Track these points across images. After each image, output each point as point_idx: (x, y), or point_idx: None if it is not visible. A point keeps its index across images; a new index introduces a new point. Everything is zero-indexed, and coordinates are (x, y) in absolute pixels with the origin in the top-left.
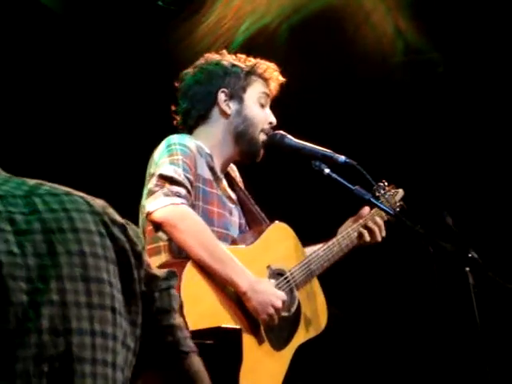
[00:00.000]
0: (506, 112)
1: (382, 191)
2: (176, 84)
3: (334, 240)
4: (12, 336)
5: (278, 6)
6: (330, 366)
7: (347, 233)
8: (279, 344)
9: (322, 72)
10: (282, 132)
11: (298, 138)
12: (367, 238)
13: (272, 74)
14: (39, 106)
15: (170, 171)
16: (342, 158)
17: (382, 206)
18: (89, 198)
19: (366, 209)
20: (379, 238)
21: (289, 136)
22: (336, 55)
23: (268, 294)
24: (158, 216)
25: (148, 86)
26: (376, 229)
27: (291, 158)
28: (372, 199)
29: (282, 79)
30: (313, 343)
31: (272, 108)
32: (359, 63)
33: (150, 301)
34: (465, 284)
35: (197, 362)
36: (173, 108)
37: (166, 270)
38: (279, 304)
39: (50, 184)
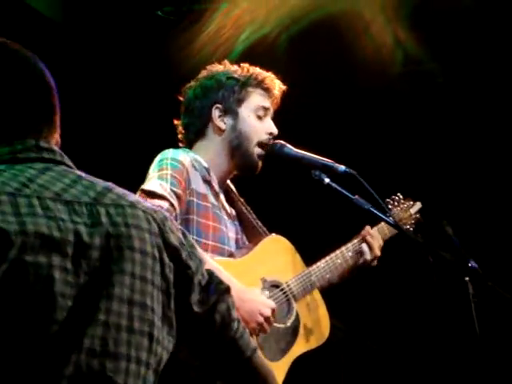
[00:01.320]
0: (505, 122)
1: (396, 203)
2: (179, 97)
3: (338, 251)
4: (54, 353)
5: (277, 16)
6: (332, 375)
7: (352, 244)
8: (275, 355)
9: (322, 82)
10: (281, 142)
11: (297, 148)
12: (366, 250)
13: (271, 82)
14: None
15: (154, 186)
16: (342, 167)
17: (381, 215)
18: (151, 210)
19: (368, 229)
20: (377, 252)
21: (288, 145)
22: (335, 65)
23: (256, 303)
24: None
25: (148, 96)
26: (374, 243)
27: (291, 168)
28: (371, 209)
29: (282, 87)
30: (314, 356)
31: (272, 117)
32: (359, 73)
33: (211, 324)
34: (464, 294)
35: (259, 359)
36: (175, 122)
37: (207, 275)
38: (268, 312)
39: (118, 190)
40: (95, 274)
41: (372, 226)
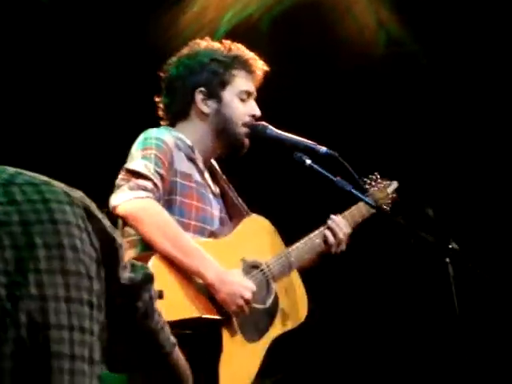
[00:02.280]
0: (489, 103)
1: (373, 183)
2: (161, 74)
3: (316, 231)
4: None
5: None
6: (313, 357)
7: (319, 230)
8: (254, 335)
9: (304, 63)
10: (263, 123)
11: (279, 129)
12: (330, 237)
13: (255, 63)
14: (21, 97)
15: (138, 166)
16: (324, 149)
17: (362, 197)
18: (68, 188)
19: (333, 216)
20: (342, 238)
21: (270, 127)
22: (318, 46)
23: (236, 285)
24: (121, 210)
25: (131, 77)
26: (336, 229)
27: (273, 149)
28: (352, 190)
29: (265, 68)
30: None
31: (255, 97)
32: (341, 55)
33: (134, 309)
34: (445, 275)
35: (177, 356)
36: (156, 99)
37: (142, 273)
38: (248, 295)
39: (29, 173)
40: (21, 249)
41: (351, 207)
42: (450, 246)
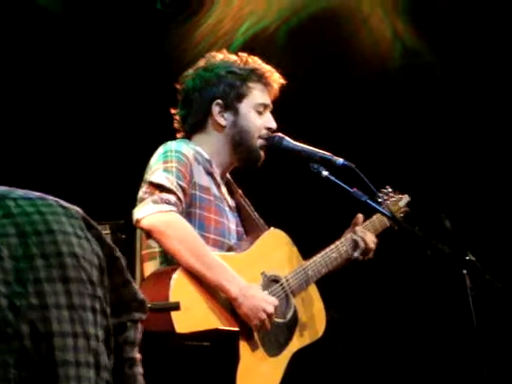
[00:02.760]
0: (504, 114)
1: (386, 197)
2: (177, 86)
3: (333, 246)
4: None
5: (277, 8)
6: (330, 369)
7: (346, 239)
8: (274, 350)
9: (320, 74)
10: (280, 134)
11: (296, 141)
12: (361, 244)
13: (271, 77)
14: (38, 109)
15: (161, 179)
16: (340, 160)
17: (378, 207)
18: (63, 202)
19: (360, 217)
20: (371, 245)
21: (287, 138)
22: (334, 58)
23: (259, 300)
24: (145, 223)
25: (147, 90)
26: (361, 242)
27: (289, 161)
28: (368, 201)
29: (282, 81)
30: (311, 348)
31: (271, 110)
32: (357, 66)
33: (121, 329)
34: (462, 286)
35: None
36: (172, 111)
37: (140, 298)
38: (271, 309)
39: (22, 190)
40: (19, 260)
41: (367, 218)
42: (467, 258)
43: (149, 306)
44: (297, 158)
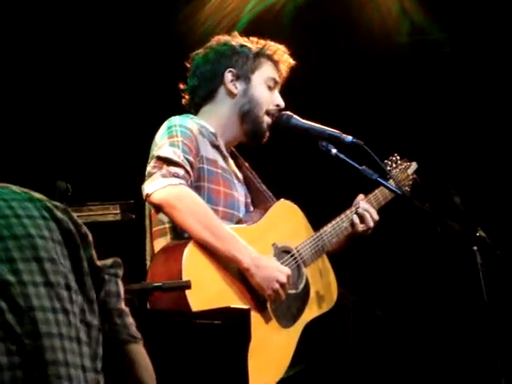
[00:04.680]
0: None
1: (394, 165)
2: (186, 64)
3: (343, 215)
4: None
5: None
6: (341, 347)
7: (345, 214)
8: (287, 321)
9: (328, 52)
10: (288, 112)
11: (304, 118)
12: (357, 222)
13: (282, 56)
14: (48, 91)
15: (168, 153)
16: (349, 138)
17: (389, 185)
18: (25, 189)
19: (360, 196)
20: (371, 223)
21: (295, 116)
22: (341, 35)
23: (272, 269)
24: (156, 198)
25: (154, 68)
26: (366, 214)
27: (298, 139)
28: (379, 179)
29: (292, 62)
30: (322, 324)
31: (279, 91)
32: (365, 43)
33: (100, 283)
34: (473, 263)
35: (137, 352)
36: (181, 86)
37: (111, 259)
38: (284, 279)
39: (4, 186)
40: None
41: (374, 190)
42: (478, 234)
43: (160, 285)
44: (305, 136)
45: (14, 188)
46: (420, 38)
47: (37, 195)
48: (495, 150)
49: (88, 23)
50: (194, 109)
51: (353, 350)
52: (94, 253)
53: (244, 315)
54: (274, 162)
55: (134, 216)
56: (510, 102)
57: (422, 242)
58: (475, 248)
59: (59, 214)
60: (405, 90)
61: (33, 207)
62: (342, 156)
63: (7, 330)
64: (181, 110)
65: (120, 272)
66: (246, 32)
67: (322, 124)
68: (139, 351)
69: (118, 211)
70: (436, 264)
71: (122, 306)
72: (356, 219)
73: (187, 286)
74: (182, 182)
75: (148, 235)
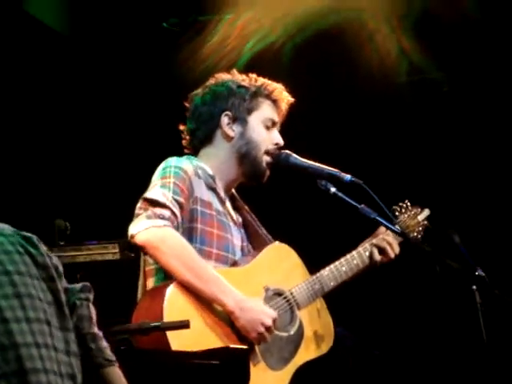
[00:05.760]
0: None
1: (403, 210)
2: (186, 104)
3: (342, 259)
4: None
5: (283, 26)
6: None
7: (358, 252)
8: (277, 364)
9: (327, 91)
10: (287, 151)
11: (303, 157)
12: (377, 256)
13: (280, 94)
14: (46, 127)
15: (155, 194)
16: (348, 176)
17: (387, 224)
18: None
19: (382, 229)
20: (392, 255)
21: (294, 155)
22: (340, 75)
23: (256, 312)
24: (139, 239)
25: (154, 108)
26: (387, 247)
27: (297, 178)
28: (377, 217)
29: (290, 99)
30: (321, 364)
31: (278, 129)
32: (363, 83)
33: (71, 309)
34: (472, 302)
35: (114, 373)
36: (181, 127)
37: (80, 284)
38: (269, 322)
39: None
40: None
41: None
42: (477, 273)
43: (158, 324)
44: (304, 174)
45: None
46: (418, 77)
47: (6, 229)
48: (494, 189)
49: (89, 62)
50: (193, 150)
51: None
52: (64, 282)
53: (242, 355)
54: (271, 200)
55: (133, 255)
56: (509, 142)
57: (422, 281)
58: (474, 287)
59: (31, 249)
60: (403, 128)
61: (6, 242)
62: (340, 195)
63: None
64: (180, 150)
65: (91, 296)
66: (246, 70)
67: (321, 163)
68: (116, 373)
69: (117, 250)
70: (435, 303)
71: (95, 330)
72: (375, 251)
73: (185, 325)
74: (167, 223)
75: (141, 274)
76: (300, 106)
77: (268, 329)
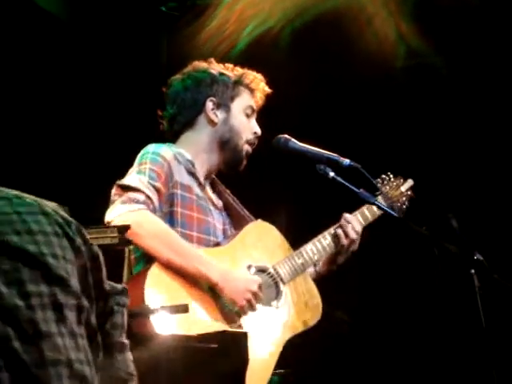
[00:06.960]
0: (509, 114)
1: (386, 182)
2: (164, 89)
3: (326, 232)
4: None
5: (281, 10)
6: (336, 369)
7: (328, 231)
8: (265, 338)
9: (325, 75)
10: (286, 136)
11: (301, 142)
12: (340, 233)
13: (258, 85)
14: (42, 112)
15: (129, 180)
16: (347, 161)
17: (387, 209)
18: (39, 200)
19: (345, 214)
20: (353, 235)
21: (293, 140)
22: (338, 59)
23: (241, 281)
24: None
25: (149, 92)
26: (348, 225)
27: (296, 162)
28: (377, 202)
29: (268, 90)
30: (318, 348)
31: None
32: (362, 67)
33: (108, 313)
34: (470, 286)
35: None
36: (159, 113)
37: (121, 285)
38: (254, 287)
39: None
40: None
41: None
42: (475, 257)
43: (156, 309)
44: (303, 159)
45: (28, 199)
46: (417, 61)
47: (49, 207)
48: (493, 172)
49: (86, 47)
50: (172, 136)
51: (349, 373)
52: (103, 275)
53: (241, 338)
54: (270, 185)
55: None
56: (507, 124)
57: (420, 265)
58: (473, 271)
59: (71, 232)
60: (402, 112)
61: (46, 222)
62: (339, 179)
63: (14, 358)
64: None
65: (127, 301)
66: (245, 54)
67: (319, 147)
68: None
69: (116, 234)
70: (433, 287)
71: (124, 339)
72: (339, 231)
73: (184, 309)
74: (142, 207)
75: (126, 262)
76: (298, 90)
77: (255, 295)
